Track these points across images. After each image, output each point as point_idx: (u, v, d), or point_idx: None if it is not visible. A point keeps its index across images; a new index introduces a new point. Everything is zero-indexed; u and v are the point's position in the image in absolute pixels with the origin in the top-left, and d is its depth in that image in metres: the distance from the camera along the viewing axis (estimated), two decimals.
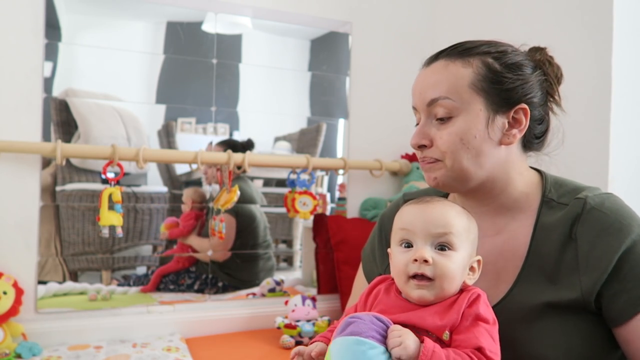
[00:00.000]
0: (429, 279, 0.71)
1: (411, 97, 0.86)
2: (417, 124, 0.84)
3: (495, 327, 0.71)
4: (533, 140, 0.85)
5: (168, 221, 1.67)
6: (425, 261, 0.71)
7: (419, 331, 0.69)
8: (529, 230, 0.82)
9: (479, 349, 0.66)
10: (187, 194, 1.68)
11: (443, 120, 0.80)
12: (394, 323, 0.69)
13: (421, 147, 0.82)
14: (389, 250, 0.81)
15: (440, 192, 0.95)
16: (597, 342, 0.77)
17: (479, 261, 0.76)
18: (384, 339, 0.66)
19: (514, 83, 0.80)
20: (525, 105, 0.80)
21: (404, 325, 0.69)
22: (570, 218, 0.78)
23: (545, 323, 0.76)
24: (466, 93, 0.79)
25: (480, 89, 0.79)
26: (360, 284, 1.03)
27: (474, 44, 0.82)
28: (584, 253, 0.75)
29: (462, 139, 0.78)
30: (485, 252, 0.82)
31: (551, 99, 0.86)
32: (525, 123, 0.80)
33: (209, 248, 1.68)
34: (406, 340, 0.65)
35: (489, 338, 0.68)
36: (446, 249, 0.72)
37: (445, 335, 0.69)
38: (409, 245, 0.74)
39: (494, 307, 0.80)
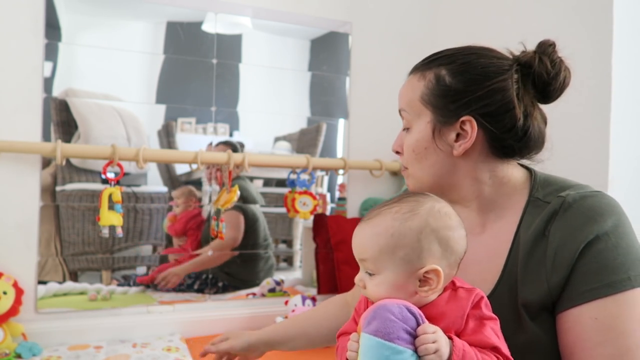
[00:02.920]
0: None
1: None
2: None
3: (498, 322, 0.70)
4: (503, 149, 0.82)
5: (170, 215, 1.68)
6: (362, 284, 0.73)
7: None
8: (513, 228, 0.81)
9: (495, 349, 0.65)
10: (179, 194, 1.68)
11: (407, 130, 0.86)
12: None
13: (397, 153, 0.90)
14: None
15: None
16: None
17: (435, 271, 0.68)
18: (413, 339, 0.61)
19: (461, 95, 0.78)
20: (470, 117, 0.78)
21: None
22: (547, 215, 0.77)
23: (522, 325, 0.75)
24: (416, 106, 0.84)
25: (428, 102, 0.82)
26: None
27: (440, 55, 0.84)
28: (552, 250, 0.74)
29: (414, 150, 0.84)
30: (472, 250, 0.80)
31: (532, 105, 0.82)
32: (470, 135, 0.79)
33: (221, 248, 1.68)
34: (442, 346, 0.60)
35: (495, 336, 0.67)
36: (370, 273, 0.71)
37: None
38: None
39: None
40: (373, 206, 1.79)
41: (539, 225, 0.77)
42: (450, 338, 0.63)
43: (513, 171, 0.85)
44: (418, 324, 0.62)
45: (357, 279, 0.73)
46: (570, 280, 0.73)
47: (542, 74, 0.82)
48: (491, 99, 0.79)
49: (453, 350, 0.61)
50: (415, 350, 0.61)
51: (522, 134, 0.80)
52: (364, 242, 0.72)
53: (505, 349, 0.67)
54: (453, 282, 0.72)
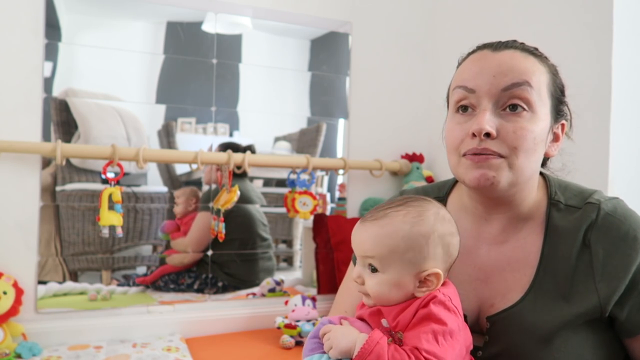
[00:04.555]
0: (367, 294, 0.75)
1: (458, 78, 0.79)
2: (466, 109, 0.76)
3: (455, 333, 0.67)
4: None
5: (168, 227, 1.66)
6: (360, 280, 0.75)
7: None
8: (539, 236, 0.80)
9: (416, 349, 0.66)
10: (183, 194, 1.67)
11: (515, 110, 0.72)
12: (369, 314, 0.74)
13: (485, 136, 0.72)
14: None
15: (443, 190, 0.93)
16: (607, 353, 0.77)
17: (435, 274, 0.71)
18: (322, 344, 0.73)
19: (564, 99, 0.80)
20: (565, 122, 0.80)
21: (377, 314, 0.73)
22: (584, 224, 0.76)
23: (559, 340, 0.74)
24: (543, 90, 0.74)
25: (552, 92, 0.77)
26: (347, 288, 0.99)
27: (537, 50, 0.80)
28: (600, 260, 0.74)
29: (534, 138, 0.72)
30: (492, 261, 0.81)
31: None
32: (561, 138, 0.80)
33: (184, 247, 1.67)
34: (335, 339, 0.70)
35: (433, 340, 0.66)
36: (375, 270, 0.73)
37: (400, 335, 0.70)
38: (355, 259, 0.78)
39: (498, 314, 0.79)
40: (373, 206, 1.80)
41: (577, 234, 0.76)
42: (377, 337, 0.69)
43: None
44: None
45: (355, 274, 0.75)
46: (629, 300, 0.73)
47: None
48: (567, 113, 0.82)
49: (367, 340, 0.67)
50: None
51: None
52: (371, 240, 0.73)
53: (431, 356, 0.65)
54: None
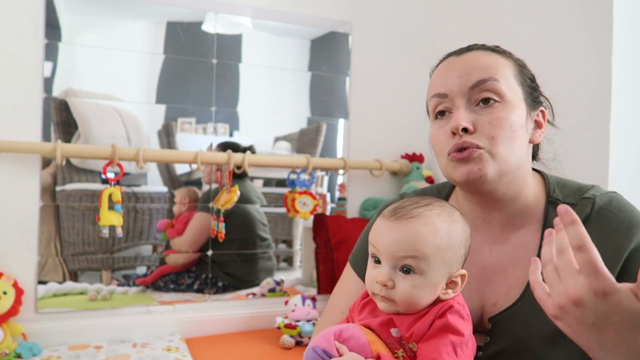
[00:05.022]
0: (391, 299, 0.69)
1: (431, 88, 0.82)
2: (443, 113, 0.80)
3: (469, 342, 0.68)
4: (534, 149, 0.86)
5: (162, 224, 1.65)
6: (385, 285, 0.69)
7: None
8: (538, 233, 0.80)
9: None
10: (182, 194, 1.67)
11: (488, 103, 0.76)
12: (379, 323, 0.70)
13: (463, 131, 0.75)
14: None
15: (442, 192, 0.93)
16: None
17: (462, 276, 0.72)
18: None
19: (538, 88, 0.82)
20: (544, 108, 0.82)
21: (388, 323, 0.70)
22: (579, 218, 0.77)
23: (561, 338, 0.71)
24: (511, 80, 0.77)
25: (521, 82, 0.79)
26: (344, 289, 0.98)
27: (500, 48, 0.83)
28: None
29: (511, 125, 0.75)
30: (494, 260, 0.81)
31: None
32: (544, 125, 0.82)
33: (179, 247, 1.67)
34: None
35: (452, 353, 0.65)
36: (411, 271, 0.69)
37: (413, 346, 0.68)
38: (378, 261, 0.72)
39: (500, 314, 0.79)
40: (373, 206, 1.80)
41: None
42: (379, 357, 0.66)
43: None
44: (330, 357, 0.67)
45: (384, 277, 0.69)
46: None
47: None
48: (544, 101, 0.84)
49: None
50: None
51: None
52: (414, 239, 0.69)
53: None
54: None
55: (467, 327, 0.68)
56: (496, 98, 0.75)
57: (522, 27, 1.50)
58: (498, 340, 0.79)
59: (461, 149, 0.75)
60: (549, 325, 0.73)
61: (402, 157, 1.87)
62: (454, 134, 0.76)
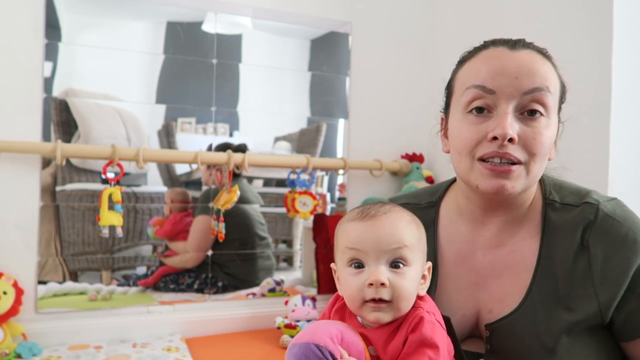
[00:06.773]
0: (386, 301, 0.66)
1: (473, 76, 0.73)
2: (481, 110, 0.72)
3: (445, 349, 0.66)
4: None
5: (154, 221, 1.65)
6: (383, 284, 0.66)
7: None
8: (535, 238, 0.78)
9: None
10: (169, 195, 1.67)
11: (534, 115, 0.70)
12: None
13: (508, 141, 0.68)
14: (332, 265, 0.78)
15: (434, 196, 0.90)
16: (609, 358, 0.76)
17: (429, 268, 0.74)
18: None
19: (563, 100, 0.78)
20: (561, 125, 0.79)
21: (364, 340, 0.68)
22: (581, 223, 0.74)
23: (562, 348, 0.73)
24: (556, 96, 0.73)
25: (560, 97, 0.75)
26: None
27: (541, 47, 0.78)
28: (599, 263, 0.72)
29: (549, 144, 0.71)
30: (489, 265, 0.79)
31: None
32: (558, 141, 0.79)
33: (185, 252, 1.67)
34: None
35: None
36: (400, 265, 0.68)
37: None
38: (359, 265, 0.69)
39: (497, 322, 0.77)
40: None
41: (574, 234, 0.74)
42: None
43: None
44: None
45: (380, 278, 0.66)
46: (627, 304, 0.72)
47: None
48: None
49: None
50: None
51: None
52: (400, 229, 0.69)
53: None
54: None
55: (441, 336, 0.67)
56: (542, 111, 0.70)
57: (522, 27, 1.49)
58: (499, 349, 0.77)
59: (501, 160, 0.69)
60: (549, 335, 0.73)
61: (402, 157, 1.87)
62: (494, 138, 0.69)
